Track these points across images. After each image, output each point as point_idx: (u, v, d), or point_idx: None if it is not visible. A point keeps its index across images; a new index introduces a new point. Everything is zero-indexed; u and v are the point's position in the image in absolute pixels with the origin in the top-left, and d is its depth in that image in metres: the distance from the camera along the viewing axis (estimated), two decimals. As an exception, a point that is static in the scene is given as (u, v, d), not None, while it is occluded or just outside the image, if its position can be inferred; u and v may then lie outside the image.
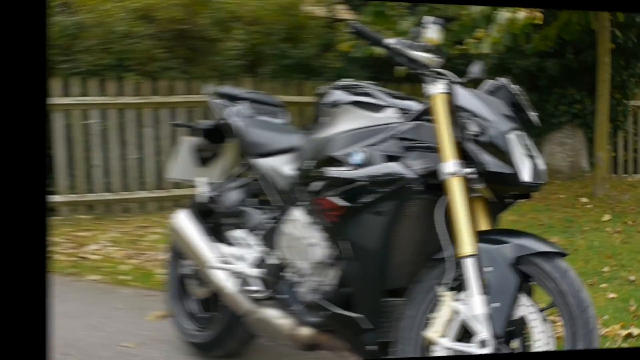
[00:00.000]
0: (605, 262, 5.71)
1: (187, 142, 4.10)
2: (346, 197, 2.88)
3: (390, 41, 2.91)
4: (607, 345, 3.60)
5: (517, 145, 2.71)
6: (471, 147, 2.70)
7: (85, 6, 11.37)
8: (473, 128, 2.70)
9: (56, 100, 9.33)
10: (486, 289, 2.62)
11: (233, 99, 3.84)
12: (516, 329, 2.64)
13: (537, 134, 10.09)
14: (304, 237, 3.15)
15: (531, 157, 2.77)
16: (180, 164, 4.11)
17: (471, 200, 2.76)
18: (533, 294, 2.75)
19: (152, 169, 9.59)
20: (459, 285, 2.70)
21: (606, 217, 7.77)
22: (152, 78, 10.06)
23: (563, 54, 10.44)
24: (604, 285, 5.01)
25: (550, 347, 2.61)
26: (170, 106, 9.48)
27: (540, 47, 9.22)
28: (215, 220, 3.83)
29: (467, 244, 2.66)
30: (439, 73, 2.88)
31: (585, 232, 7.03)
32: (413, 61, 2.87)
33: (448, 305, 2.67)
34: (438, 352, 2.68)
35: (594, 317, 2.59)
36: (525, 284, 2.68)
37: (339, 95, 3.17)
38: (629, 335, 3.80)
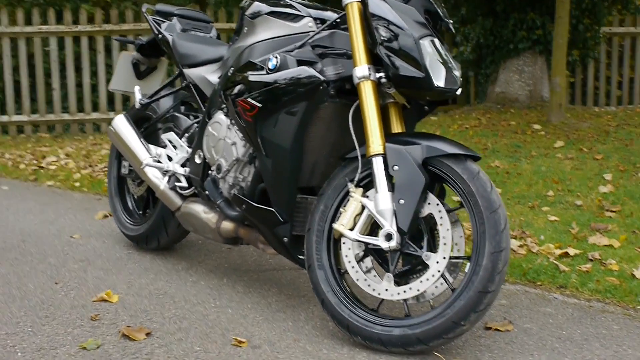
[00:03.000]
0: (551, 187, 5.11)
1: (126, 57, 4.01)
2: (260, 98, 2.73)
3: None
4: (539, 262, 3.46)
5: (430, 51, 2.51)
6: (383, 52, 2.50)
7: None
8: (385, 34, 2.51)
9: (19, 29, 9.16)
10: (393, 186, 2.50)
11: (166, 15, 3.72)
12: (424, 227, 2.52)
13: (492, 61, 9.21)
14: (224, 137, 3.04)
15: (446, 63, 2.57)
16: (120, 76, 4.00)
17: (386, 105, 2.64)
18: (444, 196, 2.64)
19: (104, 93, 9.50)
20: (369, 183, 2.58)
21: (559, 143, 6.83)
22: (103, 9, 9.85)
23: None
24: (546, 208, 4.55)
25: (459, 247, 2.51)
26: (121, 33, 9.28)
27: None
28: (151, 126, 3.74)
29: (375, 143, 2.51)
30: None
31: (533, 157, 6.22)
32: None
33: (356, 200, 2.55)
34: (346, 243, 2.58)
35: (504, 218, 2.38)
36: (436, 185, 2.56)
37: (258, 7, 3.01)
38: (565, 255, 3.56)
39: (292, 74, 2.65)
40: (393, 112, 2.66)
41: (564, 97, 8.19)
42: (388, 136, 2.56)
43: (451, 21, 2.69)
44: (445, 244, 2.43)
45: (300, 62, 2.67)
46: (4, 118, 9.35)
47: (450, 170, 2.46)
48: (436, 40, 2.58)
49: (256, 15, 3.00)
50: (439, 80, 2.51)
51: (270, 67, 2.72)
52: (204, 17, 3.79)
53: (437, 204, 2.47)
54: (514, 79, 9.25)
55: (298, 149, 2.73)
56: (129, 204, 3.99)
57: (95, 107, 9.72)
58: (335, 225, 2.57)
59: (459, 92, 2.61)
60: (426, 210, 2.49)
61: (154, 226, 3.66)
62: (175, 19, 3.68)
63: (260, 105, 2.74)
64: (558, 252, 3.57)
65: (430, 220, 2.51)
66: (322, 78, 2.59)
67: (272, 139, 2.75)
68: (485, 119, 8.17)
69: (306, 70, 2.62)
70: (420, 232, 2.53)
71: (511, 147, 6.65)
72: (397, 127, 2.65)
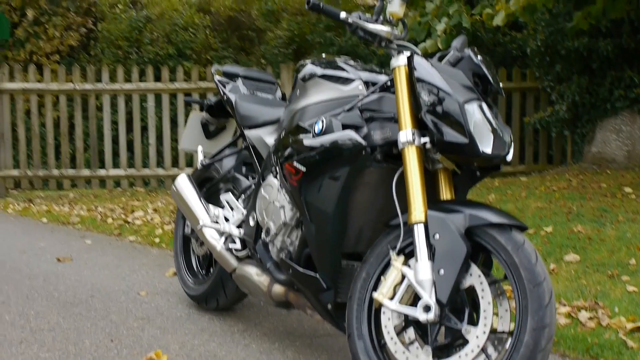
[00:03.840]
0: (635, 255, 4.73)
1: (196, 117, 4.07)
2: (304, 162, 2.73)
3: (348, 15, 2.66)
4: (606, 336, 3.25)
5: (477, 116, 2.45)
6: (428, 117, 2.46)
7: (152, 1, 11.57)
8: (430, 99, 2.47)
9: (118, 86, 9.48)
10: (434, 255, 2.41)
11: (231, 76, 3.77)
12: (466, 299, 2.42)
13: (588, 120, 8.88)
14: (274, 200, 3.03)
15: (495, 129, 2.49)
16: (189, 135, 4.07)
17: (436, 171, 2.58)
18: (491, 266, 2.54)
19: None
20: (411, 251, 2.49)
21: (650, 208, 6.23)
22: (204, 66, 10.11)
23: (619, 33, 8.54)
24: (625, 277, 4.23)
25: (504, 320, 2.39)
26: (216, 92, 9.44)
27: (581, 26, 7.70)
28: (213, 186, 3.78)
29: (417, 211, 2.45)
30: (402, 46, 2.68)
31: (619, 222, 5.73)
32: (373, 35, 2.66)
33: (397, 269, 2.48)
34: (386, 313, 2.51)
35: (549, 292, 2.28)
36: (480, 255, 2.45)
37: (311, 69, 3.00)
38: (638, 329, 3.31)
39: (335, 138, 2.63)
40: (443, 178, 2.59)
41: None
42: (432, 203, 2.49)
43: (501, 84, 2.62)
44: (486, 317, 2.32)
45: (345, 126, 2.64)
46: (102, 172, 9.65)
47: (493, 240, 2.37)
48: (484, 105, 2.51)
49: (308, 77, 3.00)
50: (486, 146, 2.43)
51: (316, 130, 2.71)
52: (269, 78, 3.83)
53: (479, 276, 2.37)
54: (611, 139, 8.80)
55: (342, 215, 2.69)
56: (193, 263, 4.01)
57: (190, 163, 9.92)
58: (375, 295, 2.50)
59: (509, 157, 2.52)
60: (468, 282, 2.39)
61: (213, 286, 3.67)
62: (239, 80, 3.73)
63: (304, 169, 2.72)
64: (630, 326, 3.35)
65: (473, 291, 2.40)
66: (364, 143, 2.56)
67: (316, 204, 2.72)
68: (576, 181, 7.86)
69: (349, 135, 2.60)
70: (463, 303, 2.43)
71: (597, 211, 6.29)
72: (446, 193, 2.58)
